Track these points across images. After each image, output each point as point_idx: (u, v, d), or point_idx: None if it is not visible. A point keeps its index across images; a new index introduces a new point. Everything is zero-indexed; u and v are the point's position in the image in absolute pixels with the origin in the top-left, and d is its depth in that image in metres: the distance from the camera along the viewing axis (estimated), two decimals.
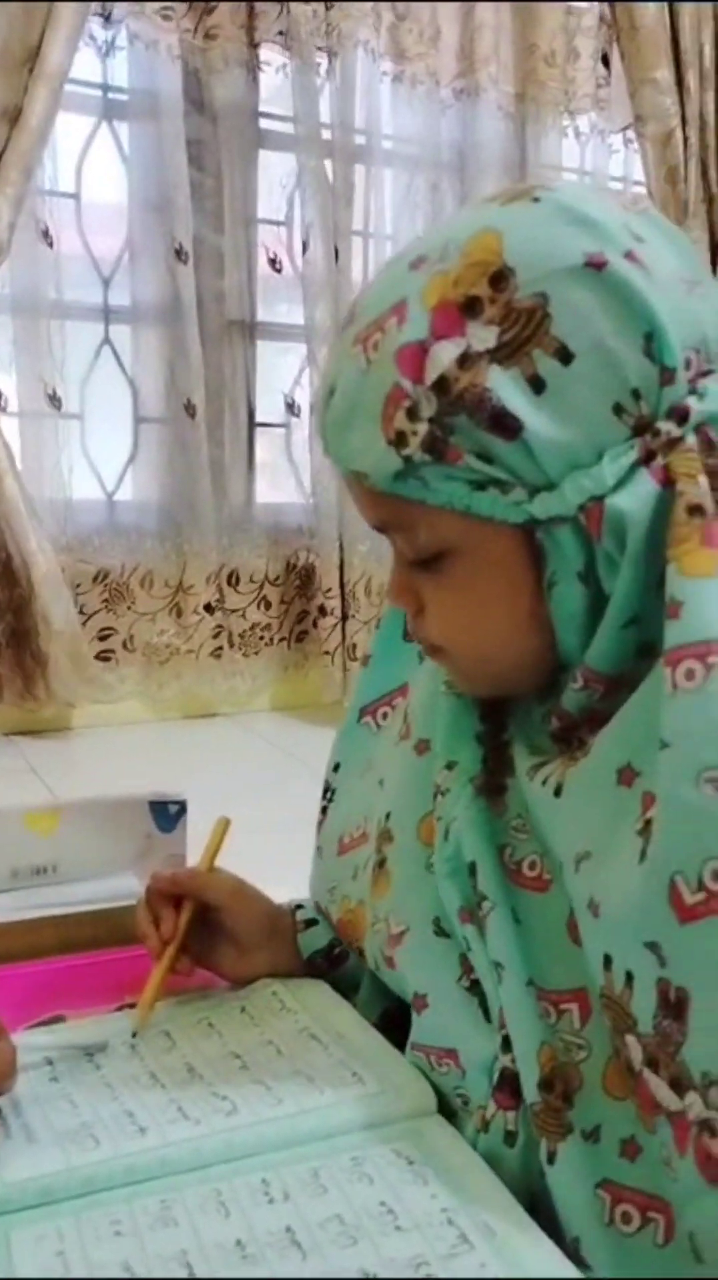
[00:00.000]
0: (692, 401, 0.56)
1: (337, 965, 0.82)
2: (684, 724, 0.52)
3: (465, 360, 0.56)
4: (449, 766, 0.70)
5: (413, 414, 0.57)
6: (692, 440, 0.56)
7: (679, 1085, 0.52)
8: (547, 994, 0.61)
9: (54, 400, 2.80)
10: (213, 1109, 0.66)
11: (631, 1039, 0.54)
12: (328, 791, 0.84)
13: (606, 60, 3.40)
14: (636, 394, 0.56)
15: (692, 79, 3.35)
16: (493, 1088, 0.63)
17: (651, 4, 3.24)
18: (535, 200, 0.58)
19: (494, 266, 0.56)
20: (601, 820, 0.57)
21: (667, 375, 0.56)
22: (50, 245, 2.74)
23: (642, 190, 3.45)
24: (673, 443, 0.56)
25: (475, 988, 0.66)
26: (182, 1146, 0.62)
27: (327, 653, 3.09)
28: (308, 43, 2.86)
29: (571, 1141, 0.58)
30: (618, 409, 0.56)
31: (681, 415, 0.56)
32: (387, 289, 0.60)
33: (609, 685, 0.60)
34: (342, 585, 3.09)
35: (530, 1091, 0.60)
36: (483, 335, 0.56)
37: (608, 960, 0.55)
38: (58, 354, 2.79)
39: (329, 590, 3.08)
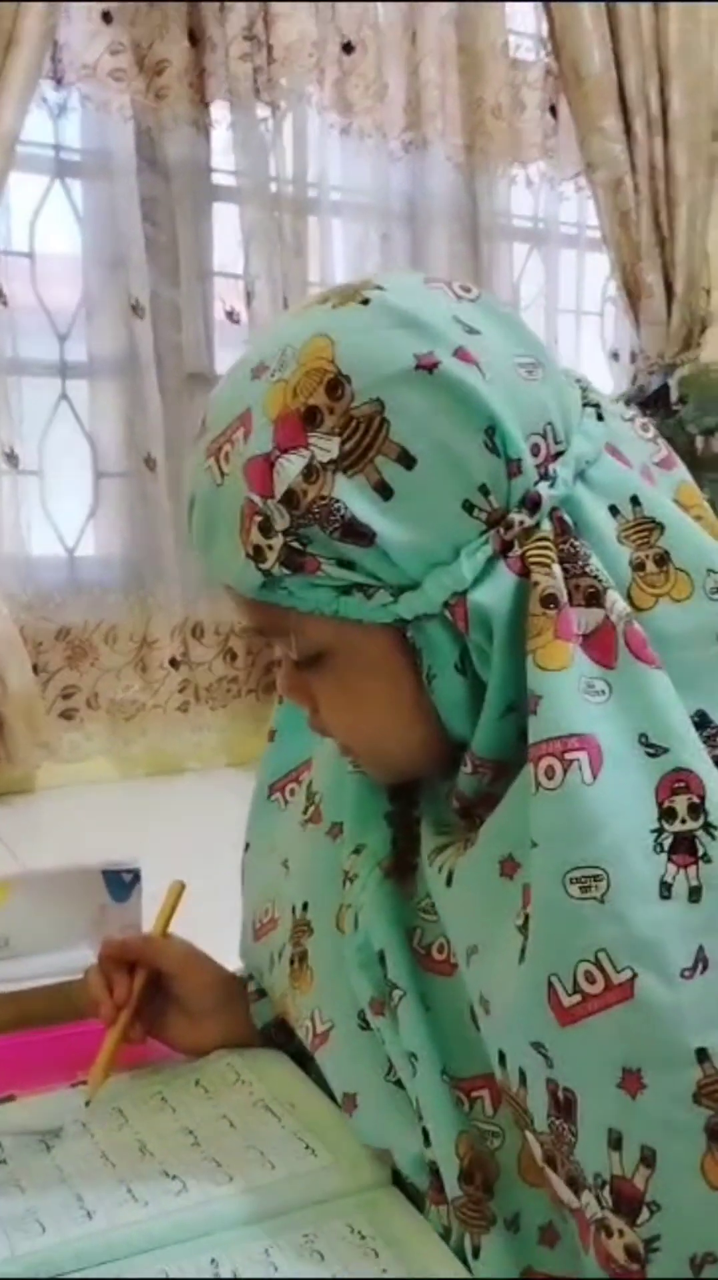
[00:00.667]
0: (542, 489, 0.57)
1: (291, 1036, 0.80)
2: (549, 824, 0.52)
3: (311, 472, 0.56)
4: (357, 850, 0.69)
5: (266, 529, 0.57)
6: (547, 527, 0.57)
7: (575, 1184, 0.52)
8: (459, 1082, 0.61)
9: (11, 458, 2.80)
10: (162, 1189, 0.65)
11: (529, 1135, 0.54)
12: (244, 873, 0.84)
13: (553, 110, 3.46)
14: (483, 489, 0.56)
15: (639, 126, 3.41)
16: (429, 1181, 0.62)
17: (596, 54, 3.31)
18: (364, 302, 0.58)
19: (329, 374, 0.56)
20: (485, 913, 0.57)
21: (513, 466, 0.56)
22: (4, 303, 2.75)
23: (596, 234, 3.51)
24: (528, 531, 0.56)
25: (401, 1083, 0.65)
26: (130, 1229, 0.62)
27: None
28: (248, 98, 2.88)
29: (493, 1233, 0.57)
30: (468, 506, 0.56)
31: (532, 504, 0.57)
32: (232, 398, 0.60)
33: (497, 770, 0.60)
34: None
35: (452, 1186, 0.59)
36: (325, 446, 0.56)
37: (503, 1057, 0.55)
38: (15, 411, 2.79)
39: None
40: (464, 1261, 0.59)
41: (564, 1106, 0.52)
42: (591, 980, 0.50)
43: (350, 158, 3.11)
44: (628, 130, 3.42)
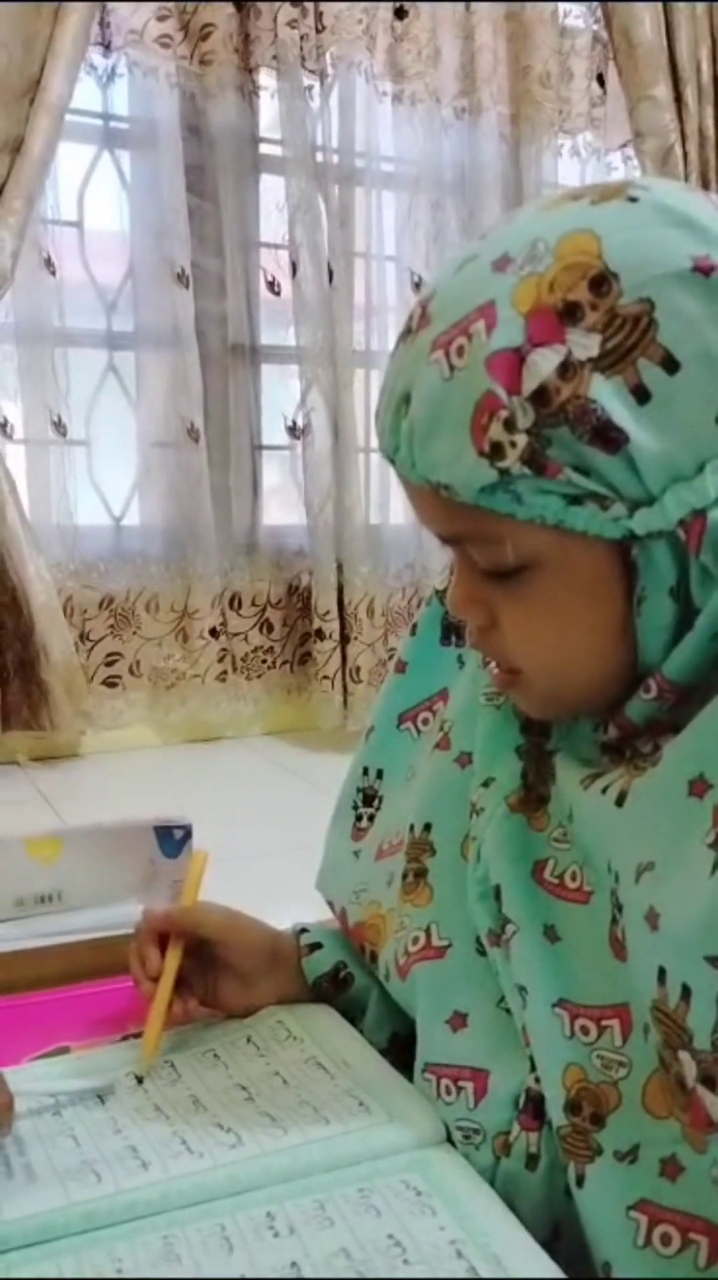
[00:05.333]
0: None
1: (342, 989, 0.81)
2: None
3: (567, 369, 0.53)
4: (486, 784, 0.69)
5: (509, 425, 0.54)
6: None
7: None
8: (587, 1010, 0.60)
9: (59, 427, 2.81)
10: (217, 1142, 0.65)
11: (684, 1055, 0.53)
12: (375, 799, 0.82)
13: (601, 80, 3.41)
14: None
15: (690, 94, 3.36)
16: (518, 1110, 0.62)
17: (647, 21, 3.25)
18: (632, 200, 0.56)
19: (594, 270, 0.54)
20: (667, 831, 0.55)
21: None
22: (53, 273, 2.75)
23: None
24: None
25: (510, 1011, 0.65)
26: (184, 1181, 0.62)
27: (325, 677, 3.05)
28: (295, 66, 2.85)
29: (600, 1163, 0.57)
30: None
31: None
32: (467, 290, 0.57)
33: (681, 695, 0.58)
34: (341, 608, 3.07)
35: (557, 1114, 0.59)
36: (585, 343, 0.53)
37: (663, 973, 0.54)
38: (62, 381, 2.79)
39: (327, 613, 3.05)
40: (561, 1192, 0.59)
41: None
42: None
43: (401, 125, 3.07)
44: (678, 99, 3.36)
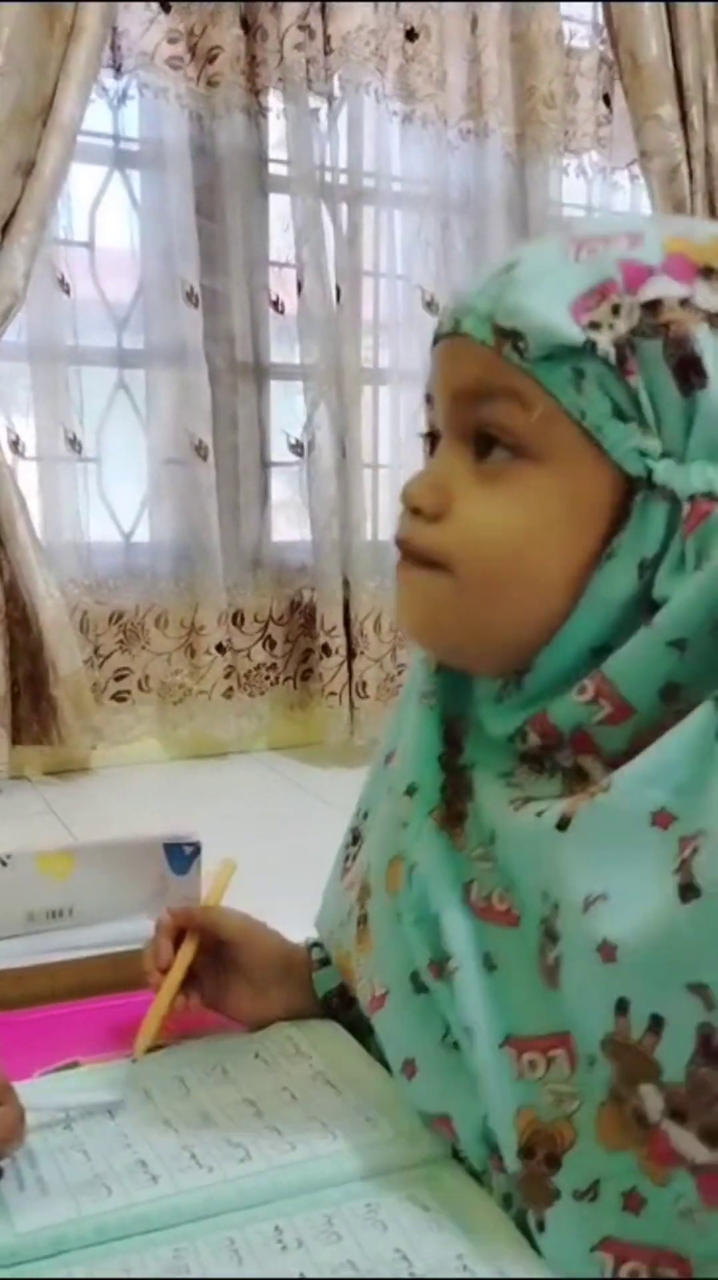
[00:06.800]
0: None
1: (351, 1005, 0.80)
2: None
3: (686, 304, 0.55)
4: (409, 792, 0.66)
5: (616, 311, 0.55)
6: None
7: (714, 1136, 0.50)
8: (533, 1042, 0.58)
9: (74, 444, 2.83)
10: (226, 1156, 0.65)
11: (647, 1088, 0.52)
12: (359, 838, 0.81)
13: (607, 99, 3.43)
14: None
15: (696, 114, 3.38)
16: (490, 1150, 0.61)
17: (653, 41, 3.27)
18: None
19: None
20: (624, 861, 0.53)
21: None
22: (66, 292, 2.78)
23: None
24: None
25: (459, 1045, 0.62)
26: (194, 1194, 0.62)
27: (333, 693, 3.06)
28: (301, 87, 2.86)
29: (558, 1206, 0.56)
30: None
31: None
32: (621, 220, 0.61)
33: (619, 712, 0.57)
34: (347, 623, 3.08)
35: (511, 1160, 0.58)
36: (709, 297, 0.55)
37: (623, 1005, 0.52)
38: (76, 399, 2.82)
39: (333, 629, 3.05)
40: (527, 1232, 0.58)
41: None
42: None
43: (410, 145, 3.09)
44: (684, 118, 3.38)
